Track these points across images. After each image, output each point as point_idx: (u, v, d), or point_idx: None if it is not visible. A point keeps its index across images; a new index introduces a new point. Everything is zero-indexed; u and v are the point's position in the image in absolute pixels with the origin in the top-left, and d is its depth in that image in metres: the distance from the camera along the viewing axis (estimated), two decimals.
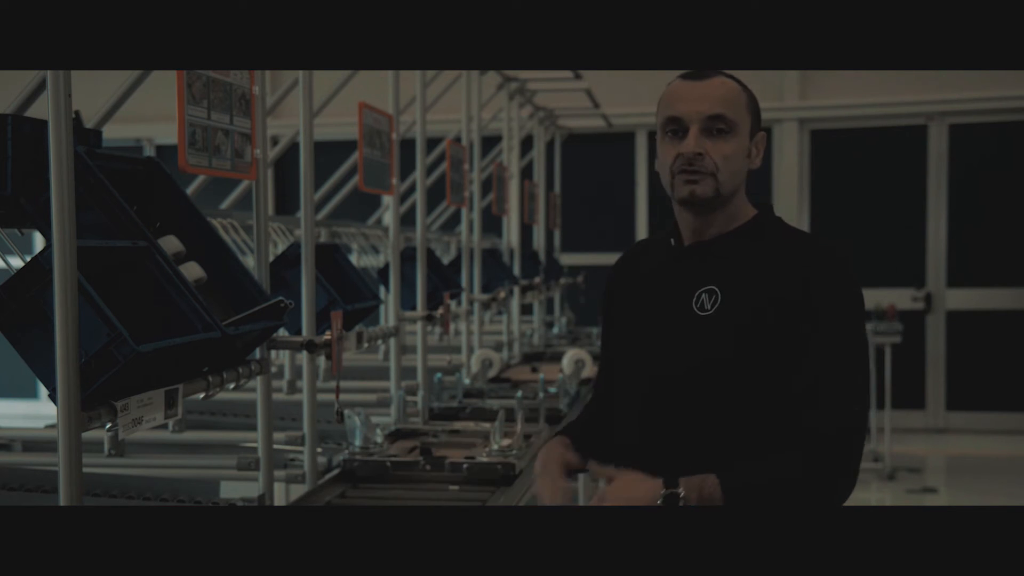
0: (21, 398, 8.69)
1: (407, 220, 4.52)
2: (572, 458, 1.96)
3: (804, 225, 8.47)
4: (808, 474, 1.72)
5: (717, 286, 1.82)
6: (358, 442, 2.80)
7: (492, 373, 4.72)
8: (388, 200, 4.15)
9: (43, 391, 1.65)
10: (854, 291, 1.80)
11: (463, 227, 4.92)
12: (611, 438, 2.00)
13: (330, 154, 5.39)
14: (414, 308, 3.72)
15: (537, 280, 6.19)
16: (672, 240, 1.91)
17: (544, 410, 3.49)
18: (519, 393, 3.51)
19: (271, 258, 2.63)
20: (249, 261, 2.48)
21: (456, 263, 5.04)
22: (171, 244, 2.05)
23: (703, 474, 1.71)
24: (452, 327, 3.94)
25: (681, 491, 1.69)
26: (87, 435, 1.64)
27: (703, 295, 1.83)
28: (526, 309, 6.51)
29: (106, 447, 1.72)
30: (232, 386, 2.09)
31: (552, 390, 3.90)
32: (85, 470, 1.66)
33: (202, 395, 1.97)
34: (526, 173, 7.19)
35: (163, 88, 2.35)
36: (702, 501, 1.69)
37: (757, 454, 1.75)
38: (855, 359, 1.78)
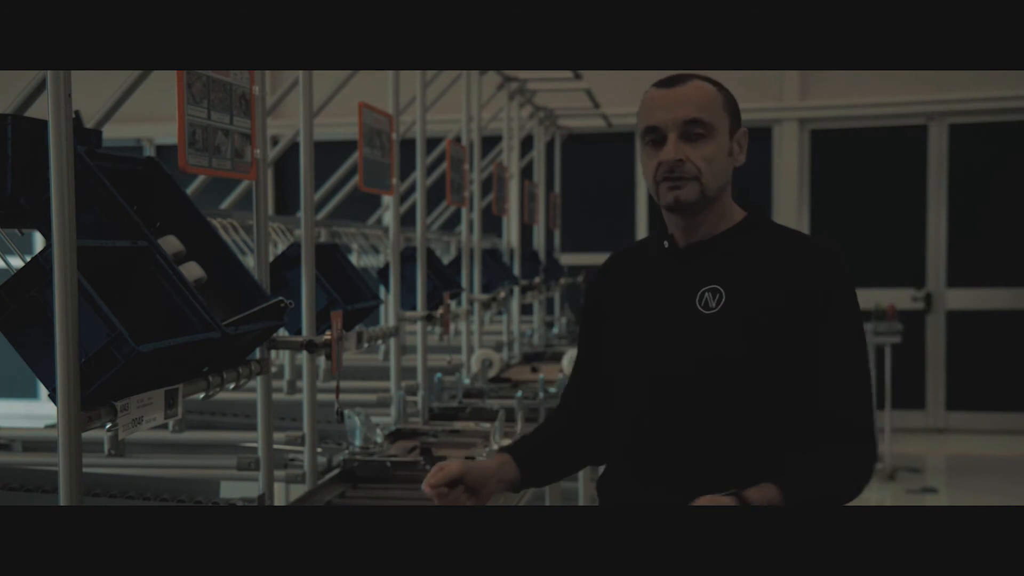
0: (21, 398, 8.69)
1: (407, 220, 4.51)
2: (473, 476, 1.87)
3: (804, 225, 8.47)
4: (857, 470, 1.76)
5: (720, 285, 1.82)
6: (358, 442, 2.80)
7: (492, 373, 4.72)
8: (388, 200, 4.16)
9: (43, 391, 1.65)
10: (854, 289, 1.83)
11: (463, 227, 4.92)
12: (574, 451, 2.01)
13: (330, 154, 5.39)
14: (414, 308, 3.73)
15: (537, 280, 6.20)
16: (665, 242, 1.91)
17: (544, 410, 3.50)
18: (519, 393, 3.52)
19: (271, 258, 2.63)
20: (249, 261, 2.48)
21: (456, 263, 5.04)
22: (171, 244, 2.05)
23: (762, 485, 1.68)
24: (452, 327, 3.94)
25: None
26: (87, 435, 1.64)
27: (706, 294, 1.82)
28: (526, 309, 6.51)
29: (106, 447, 1.71)
30: (232, 386, 2.09)
31: (552, 390, 3.90)
32: (85, 470, 1.66)
33: (202, 395, 1.97)
34: (526, 173, 7.19)
35: (163, 88, 2.35)
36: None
37: (770, 449, 1.74)
38: (864, 356, 1.82)
